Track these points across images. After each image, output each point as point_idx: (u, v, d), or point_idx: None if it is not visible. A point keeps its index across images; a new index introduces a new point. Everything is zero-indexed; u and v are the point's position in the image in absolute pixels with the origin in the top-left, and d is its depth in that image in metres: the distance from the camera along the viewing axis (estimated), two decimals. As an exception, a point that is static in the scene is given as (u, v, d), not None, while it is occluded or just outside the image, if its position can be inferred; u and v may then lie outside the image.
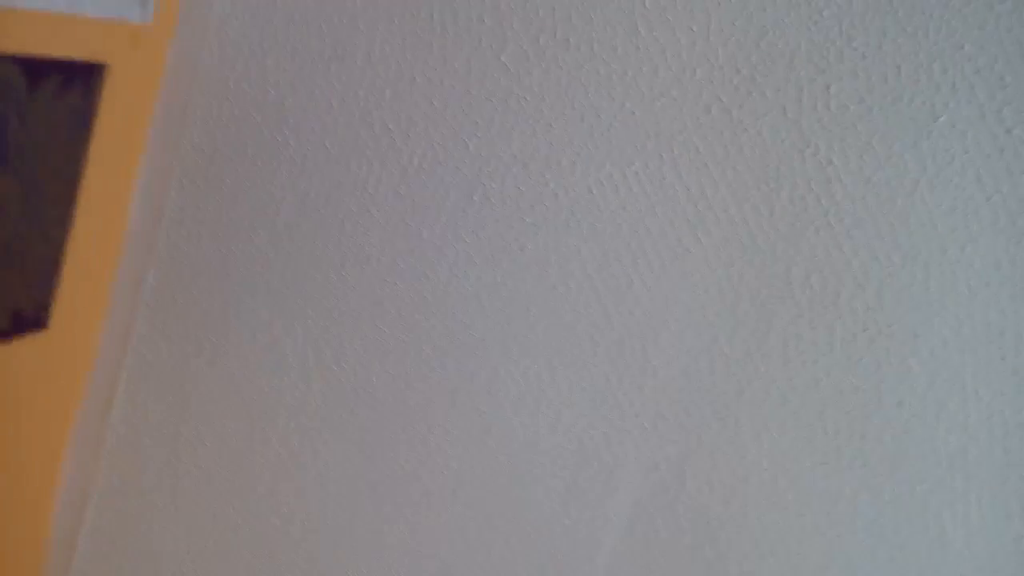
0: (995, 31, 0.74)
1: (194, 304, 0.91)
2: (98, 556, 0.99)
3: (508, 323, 0.86)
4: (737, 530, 0.85)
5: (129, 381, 0.94)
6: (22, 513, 0.98)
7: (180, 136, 0.89)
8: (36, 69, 0.76)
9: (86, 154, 0.84)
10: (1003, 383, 0.79)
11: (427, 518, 0.90)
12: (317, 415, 0.90)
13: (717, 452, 0.85)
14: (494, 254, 0.85)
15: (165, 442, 0.95)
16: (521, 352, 0.86)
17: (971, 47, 0.75)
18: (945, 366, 0.79)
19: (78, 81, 0.81)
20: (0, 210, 0.78)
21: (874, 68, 0.77)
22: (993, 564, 0.81)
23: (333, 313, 0.88)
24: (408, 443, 0.89)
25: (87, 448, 0.96)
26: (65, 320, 0.91)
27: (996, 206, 0.77)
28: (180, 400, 0.93)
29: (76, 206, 0.86)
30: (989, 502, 0.80)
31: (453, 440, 0.88)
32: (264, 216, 0.88)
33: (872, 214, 0.78)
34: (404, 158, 0.85)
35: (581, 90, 0.82)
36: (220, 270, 0.90)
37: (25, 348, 0.86)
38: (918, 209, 0.78)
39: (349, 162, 0.86)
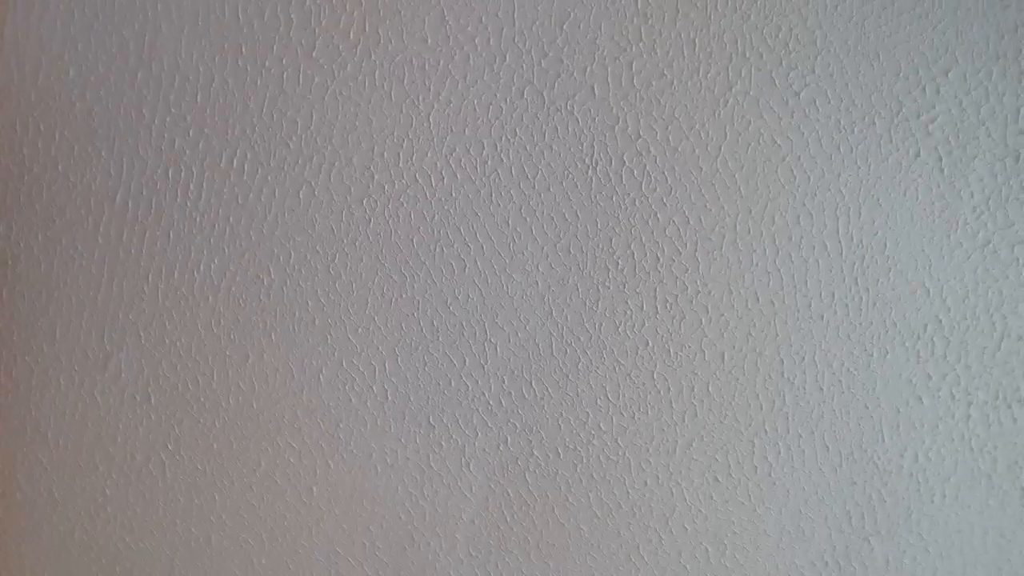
0: (777, 1, 0.79)
1: (18, 328, 0.88)
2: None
3: (348, 316, 0.87)
4: (584, 490, 0.89)
5: (-44, 414, 0.90)
6: None
7: (-16, 155, 0.86)
8: None
9: None
10: (810, 327, 0.85)
11: (284, 518, 0.90)
12: (159, 428, 0.89)
13: (560, 420, 0.88)
14: (325, 250, 0.86)
15: (13, 475, 0.92)
16: (363, 343, 0.87)
17: (756, 17, 0.80)
18: (758, 316, 0.85)
19: None
20: None
21: (671, 43, 0.82)
22: (817, 493, 0.88)
23: (166, 323, 0.87)
24: (258, 446, 0.89)
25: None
26: None
27: (791, 164, 0.83)
28: (12, 431, 0.90)
29: None
30: (807, 440, 0.87)
31: (305, 437, 0.89)
32: (83, 230, 0.86)
33: (680, 181, 0.83)
34: (224, 162, 0.84)
35: (397, 81, 0.83)
36: (44, 291, 0.87)
37: None
38: (721, 173, 0.83)
39: (167, 170, 0.84)
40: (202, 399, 0.88)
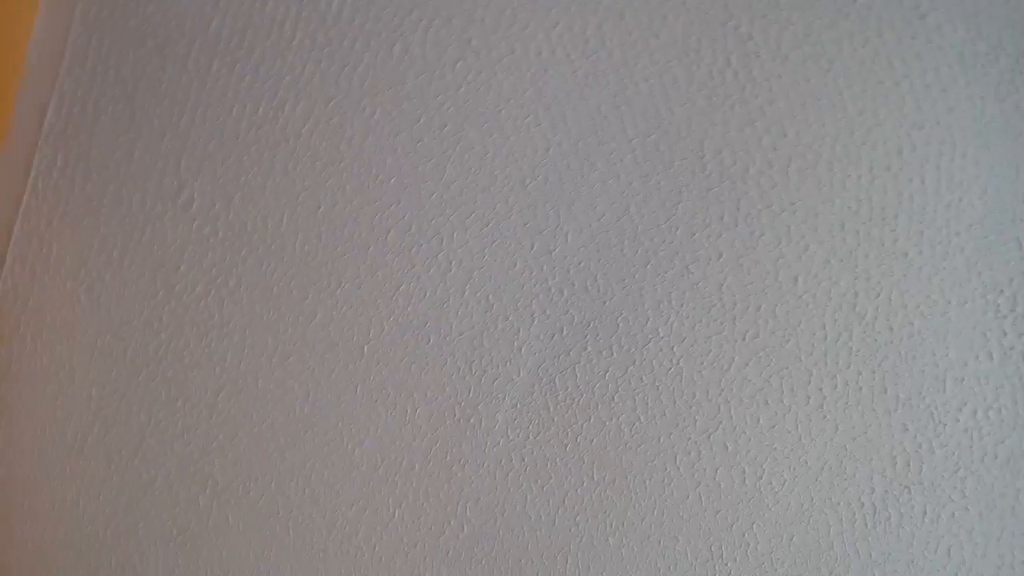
0: (920, -86, 0.75)
1: (97, 144, 0.88)
2: None
3: (424, 180, 0.86)
4: (631, 392, 0.88)
5: (27, 219, 0.91)
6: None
7: (85, -37, 0.85)
8: None
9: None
10: (892, 264, 0.83)
11: (333, 371, 0.91)
12: (222, 263, 0.89)
13: (619, 318, 0.87)
14: (412, 110, 0.84)
15: (63, 285, 0.93)
16: (435, 210, 0.86)
17: (896, -69, 0.76)
18: (841, 246, 0.83)
19: None
20: None
21: (801, -54, 0.78)
22: (866, 433, 0.86)
23: (243, 159, 0.86)
24: (316, 296, 0.89)
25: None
26: (-41, 152, 0.87)
27: (903, 91, 0.79)
28: (79, 244, 0.91)
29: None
30: (867, 378, 0.85)
31: (363, 294, 0.89)
32: (173, 55, 0.85)
33: (786, 91, 0.80)
34: (323, 4, 0.82)
35: (509, -55, 0.80)
36: (125, 110, 0.87)
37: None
38: (830, 89, 0.80)
39: (265, 4, 0.83)
40: (268, 241, 0.88)
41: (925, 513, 0.88)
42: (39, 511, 1.01)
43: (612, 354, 0.88)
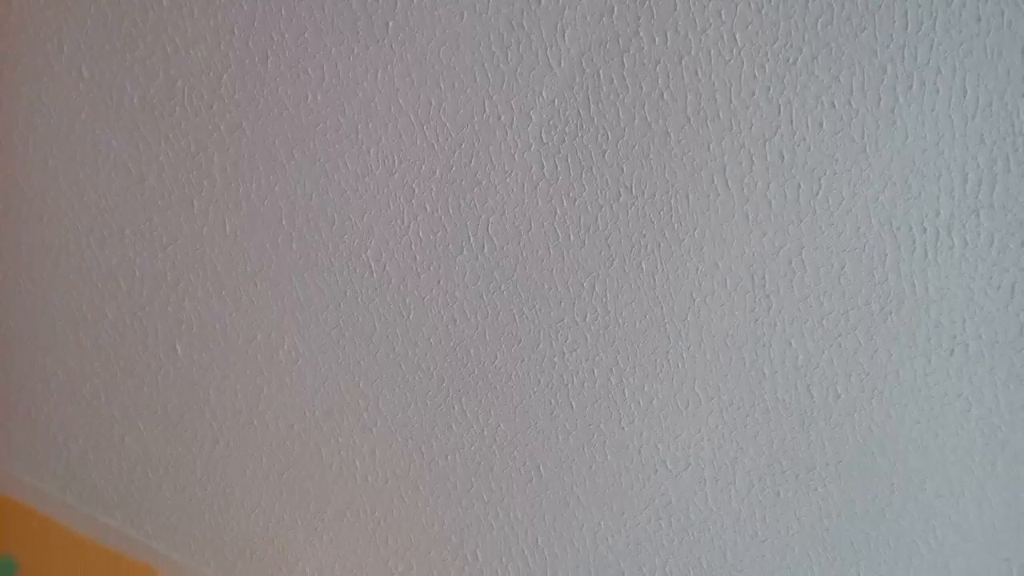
0: None
1: None
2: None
3: None
4: (684, 89, 0.80)
5: None
6: None
7: None
8: None
9: None
10: None
11: (353, 52, 0.82)
12: None
13: (677, -1, 0.78)
14: None
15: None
16: None
17: None
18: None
19: None
20: None
21: None
22: (939, 145, 0.78)
23: None
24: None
25: None
26: None
27: None
28: None
29: None
30: (947, 76, 0.77)
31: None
32: None
33: None
34: None
35: None
36: None
37: None
38: None
39: None
40: None
41: (992, 242, 0.80)
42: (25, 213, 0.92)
43: (667, 41, 0.79)
